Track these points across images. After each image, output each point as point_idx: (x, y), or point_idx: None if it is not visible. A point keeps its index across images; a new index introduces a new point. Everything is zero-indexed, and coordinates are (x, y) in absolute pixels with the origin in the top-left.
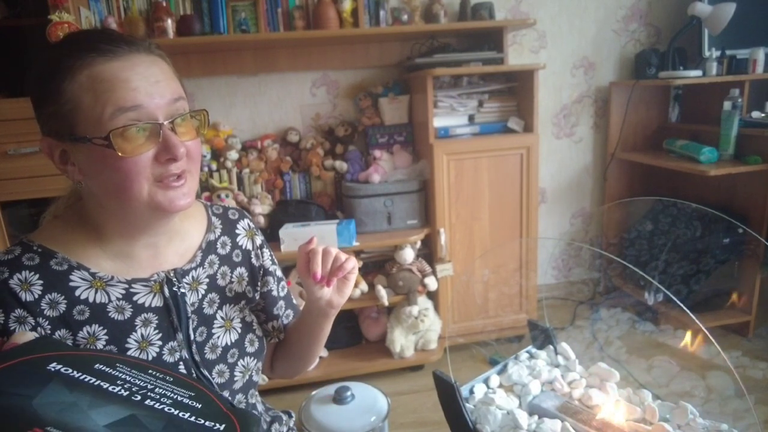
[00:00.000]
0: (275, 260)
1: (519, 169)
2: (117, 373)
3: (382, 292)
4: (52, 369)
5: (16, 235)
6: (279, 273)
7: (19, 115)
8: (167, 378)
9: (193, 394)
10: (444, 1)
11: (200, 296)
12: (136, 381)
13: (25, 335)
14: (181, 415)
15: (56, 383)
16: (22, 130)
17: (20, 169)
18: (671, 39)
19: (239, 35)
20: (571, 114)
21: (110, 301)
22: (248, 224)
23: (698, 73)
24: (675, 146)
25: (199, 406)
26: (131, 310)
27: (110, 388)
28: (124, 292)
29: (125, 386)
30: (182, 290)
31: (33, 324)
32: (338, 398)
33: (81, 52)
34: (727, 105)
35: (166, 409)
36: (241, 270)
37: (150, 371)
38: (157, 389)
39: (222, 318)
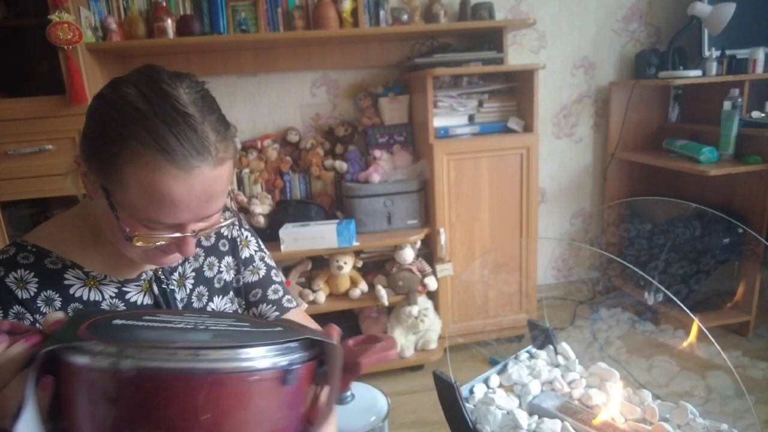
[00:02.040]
0: (262, 248)
1: (519, 169)
2: (170, 317)
3: (382, 292)
4: (119, 324)
5: (16, 236)
6: (269, 261)
7: (19, 115)
8: (217, 317)
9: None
10: (444, 1)
11: (188, 291)
12: (192, 320)
13: (56, 314)
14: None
15: (137, 329)
16: (22, 130)
17: (20, 169)
18: (671, 39)
19: (239, 35)
20: (571, 114)
21: (104, 299)
22: (228, 215)
23: (698, 73)
24: (675, 146)
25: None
26: (124, 308)
27: (180, 325)
28: (116, 290)
29: (188, 322)
30: (171, 287)
31: (31, 320)
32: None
33: (153, 143)
34: (727, 105)
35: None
36: (228, 259)
37: (193, 314)
38: (215, 321)
39: (213, 311)
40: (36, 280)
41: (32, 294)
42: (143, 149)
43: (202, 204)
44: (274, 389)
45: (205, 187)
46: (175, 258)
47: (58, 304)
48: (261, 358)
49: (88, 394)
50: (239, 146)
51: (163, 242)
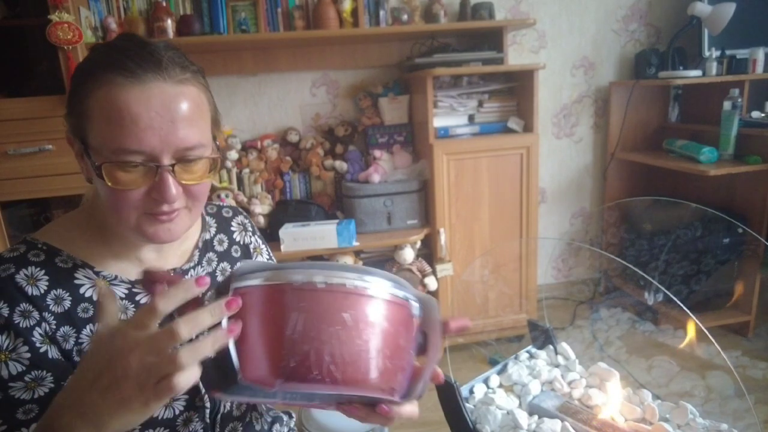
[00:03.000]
0: (272, 257)
1: (519, 169)
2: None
3: None
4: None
5: (16, 236)
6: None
7: (19, 115)
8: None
9: None
10: (444, 1)
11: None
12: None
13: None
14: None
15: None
16: (22, 130)
17: (20, 169)
18: (671, 39)
19: (239, 35)
20: (571, 114)
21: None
22: (242, 220)
23: (698, 73)
24: (675, 146)
25: None
26: (134, 310)
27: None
28: (127, 291)
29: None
30: None
31: (38, 319)
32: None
33: (108, 65)
34: (727, 105)
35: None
36: None
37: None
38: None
39: None
40: (46, 278)
41: (42, 291)
42: (101, 73)
43: (166, 124)
44: (410, 318)
45: (164, 102)
46: (173, 232)
47: (67, 303)
48: (405, 290)
49: (277, 309)
50: (239, 146)
51: (135, 175)
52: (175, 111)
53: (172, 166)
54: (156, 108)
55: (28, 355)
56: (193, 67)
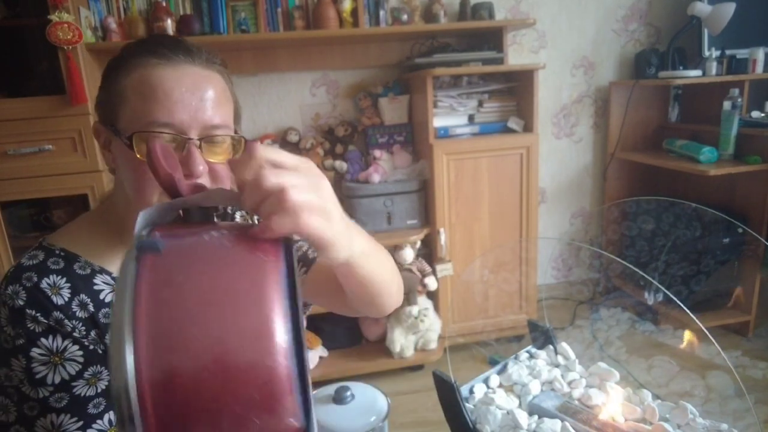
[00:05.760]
0: None
1: (519, 169)
2: None
3: None
4: None
5: (16, 235)
6: None
7: (19, 115)
8: None
9: None
10: (444, 1)
11: None
12: None
13: None
14: None
15: None
16: (22, 130)
17: (20, 169)
18: (671, 39)
19: (239, 35)
20: (571, 114)
21: None
22: (245, 213)
23: (698, 72)
24: (675, 146)
25: None
26: None
27: None
28: None
29: None
30: None
31: (71, 326)
32: (338, 398)
33: (142, 51)
34: (726, 105)
35: None
36: None
37: None
38: None
39: None
40: (68, 285)
41: (66, 299)
42: (135, 59)
43: (195, 101)
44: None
45: (194, 81)
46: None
47: (91, 308)
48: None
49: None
50: None
51: (167, 144)
52: (204, 91)
53: (200, 141)
54: (186, 85)
55: (81, 352)
56: (219, 60)
